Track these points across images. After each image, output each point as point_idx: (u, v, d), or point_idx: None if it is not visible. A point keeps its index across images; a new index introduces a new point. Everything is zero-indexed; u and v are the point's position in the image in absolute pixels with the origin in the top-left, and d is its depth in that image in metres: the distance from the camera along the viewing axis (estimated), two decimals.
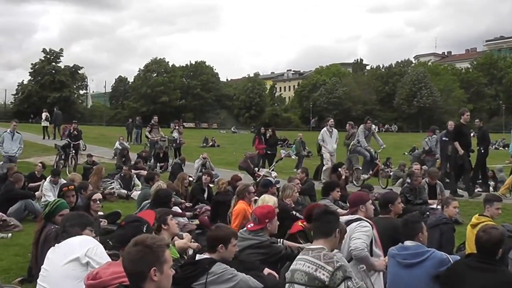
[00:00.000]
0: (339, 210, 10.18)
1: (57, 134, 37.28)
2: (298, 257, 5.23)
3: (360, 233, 6.52)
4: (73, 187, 9.83)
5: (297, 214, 9.86)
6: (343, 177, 15.36)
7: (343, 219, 6.75)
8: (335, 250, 5.43)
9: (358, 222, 6.69)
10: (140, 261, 3.71)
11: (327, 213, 5.53)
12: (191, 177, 17.99)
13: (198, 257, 5.92)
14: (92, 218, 6.24)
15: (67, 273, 4.98)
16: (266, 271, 6.54)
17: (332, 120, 21.25)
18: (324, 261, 4.90)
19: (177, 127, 28.40)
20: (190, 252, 7.73)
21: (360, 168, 19.86)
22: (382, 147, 20.32)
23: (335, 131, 20.56)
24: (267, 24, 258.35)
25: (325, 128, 20.40)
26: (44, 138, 36.44)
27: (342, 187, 12.96)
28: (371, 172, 19.51)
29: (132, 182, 17.51)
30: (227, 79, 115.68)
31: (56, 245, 5.34)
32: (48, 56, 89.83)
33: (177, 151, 26.54)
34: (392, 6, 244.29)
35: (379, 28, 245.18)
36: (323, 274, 4.84)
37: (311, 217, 6.42)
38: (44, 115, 39.61)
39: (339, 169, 15.83)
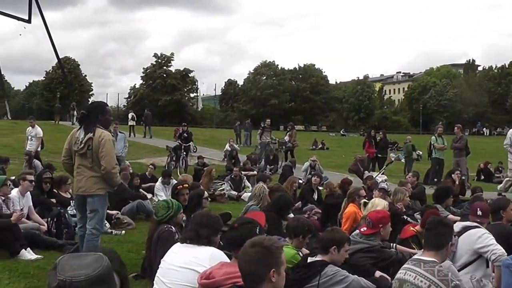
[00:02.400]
0: (451, 216, 9.93)
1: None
2: (406, 266, 5.09)
3: (493, 239, 6.30)
4: (187, 185, 10.03)
5: (408, 219, 9.70)
6: (457, 182, 15.00)
7: (458, 225, 6.56)
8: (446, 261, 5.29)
9: (479, 229, 6.46)
10: (259, 263, 3.71)
11: (442, 224, 5.35)
12: (300, 179, 17.98)
13: (310, 259, 5.91)
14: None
15: (187, 278, 5.06)
16: (378, 273, 6.51)
17: None
18: (438, 278, 4.73)
19: (289, 130, 28.49)
20: (301, 254, 7.70)
21: (466, 174, 19.13)
22: None
23: None
24: (376, 26, 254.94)
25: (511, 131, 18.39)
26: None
27: (455, 193, 12.67)
28: None
29: (242, 184, 17.72)
30: (336, 82, 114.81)
31: (185, 244, 5.42)
32: (159, 60, 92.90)
33: (290, 154, 26.64)
34: (507, 3, 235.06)
35: (493, 27, 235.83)
36: None
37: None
38: (130, 115, 42.77)
39: (453, 174, 15.47)
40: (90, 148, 7.68)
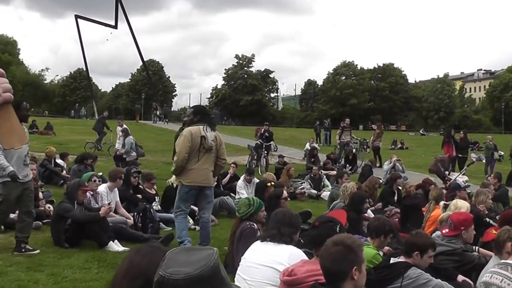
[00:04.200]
0: None
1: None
2: (492, 270, 5.01)
3: None
4: (274, 183, 10.27)
5: (491, 222, 9.52)
6: None
7: None
8: None
9: None
10: (342, 261, 3.76)
11: None
12: (381, 179, 17.91)
13: (392, 260, 5.91)
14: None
15: (267, 276, 5.17)
16: (460, 278, 6.36)
17: None
18: None
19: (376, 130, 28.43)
20: (381, 254, 7.69)
21: None
22: None
23: None
24: (456, 24, 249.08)
25: None
26: None
27: None
28: None
29: (322, 183, 17.77)
30: (415, 81, 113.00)
31: (265, 242, 5.52)
32: (240, 61, 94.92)
33: (375, 154, 26.63)
34: None
35: None
36: None
37: (506, 224, 6.20)
38: None
39: None
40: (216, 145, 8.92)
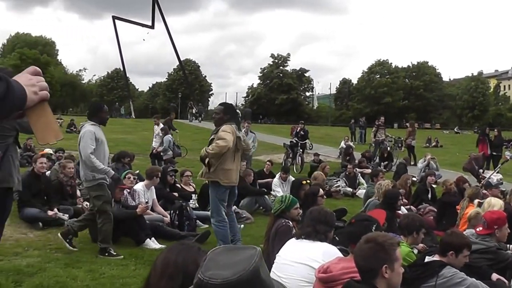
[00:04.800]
0: None
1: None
2: None
3: None
4: (309, 181, 10.36)
5: None
6: None
7: None
8: None
9: None
10: (372, 258, 3.80)
11: None
12: (414, 177, 17.85)
13: (427, 258, 5.86)
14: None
15: (302, 273, 5.20)
16: (495, 276, 6.30)
17: None
18: None
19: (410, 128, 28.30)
20: (415, 251, 7.68)
21: None
22: None
23: None
24: (490, 21, 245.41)
25: None
26: None
27: None
28: None
29: (357, 181, 17.81)
30: (449, 79, 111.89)
31: (300, 240, 5.57)
32: (276, 60, 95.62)
33: (409, 152, 26.55)
34: None
35: None
36: None
37: None
38: None
39: None
40: None
